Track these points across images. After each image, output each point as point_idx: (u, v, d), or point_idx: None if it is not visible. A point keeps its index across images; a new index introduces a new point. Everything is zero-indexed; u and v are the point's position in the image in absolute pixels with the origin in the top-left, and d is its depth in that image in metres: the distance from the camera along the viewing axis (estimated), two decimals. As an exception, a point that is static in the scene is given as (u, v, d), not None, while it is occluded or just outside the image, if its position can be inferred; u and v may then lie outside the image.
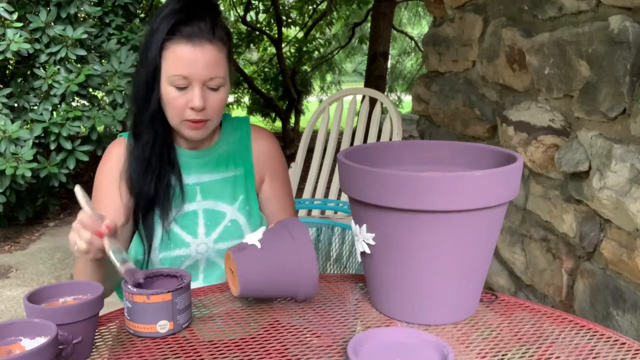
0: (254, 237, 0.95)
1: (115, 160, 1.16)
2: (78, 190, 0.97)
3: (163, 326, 0.86)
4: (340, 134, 2.42)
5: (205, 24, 1.06)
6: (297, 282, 0.93)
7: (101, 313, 0.88)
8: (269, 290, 0.95)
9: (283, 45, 8.63)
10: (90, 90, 3.82)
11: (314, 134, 2.62)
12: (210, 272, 1.19)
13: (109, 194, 1.14)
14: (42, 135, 3.54)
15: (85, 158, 3.72)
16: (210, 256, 1.18)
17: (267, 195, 1.26)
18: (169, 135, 1.15)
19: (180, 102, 1.07)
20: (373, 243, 0.89)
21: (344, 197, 2.28)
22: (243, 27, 8.75)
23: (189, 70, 1.05)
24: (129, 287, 0.87)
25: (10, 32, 3.41)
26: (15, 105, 3.72)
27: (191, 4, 1.07)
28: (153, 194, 1.12)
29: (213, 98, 1.09)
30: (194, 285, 1.17)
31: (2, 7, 3.40)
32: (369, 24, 8.52)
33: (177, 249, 1.15)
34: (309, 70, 9.90)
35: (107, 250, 0.91)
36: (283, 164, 1.29)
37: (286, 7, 9.26)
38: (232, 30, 6.85)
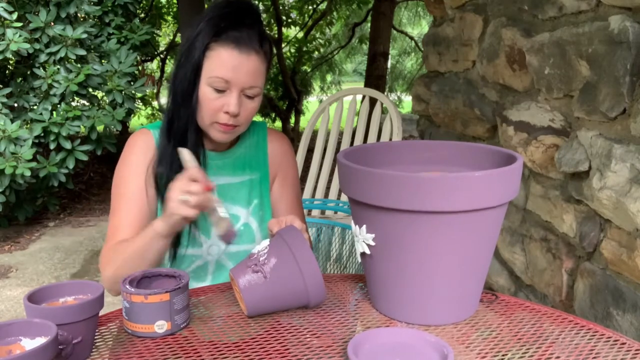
0: (259, 257, 0.93)
1: (140, 151, 1.14)
2: (182, 149, 0.98)
3: (161, 326, 0.86)
4: (340, 134, 2.42)
5: (253, 33, 1.06)
6: (305, 298, 0.92)
7: (101, 313, 0.88)
8: (278, 309, 0.94)
9: (283, 45, 8.63)
10: (90, 90, 3.82)
11: (314, 134, 2.62)
12: (219, 274, 1.19)
13: (136, 183, 1.12)
14: (42, 134, 3.54)
15: (85, 158, 3.72)
16: (220, 259, 1.18)
17: (275, 196, 1.26)
18: (200, 135, 1.15)
19: (216, 105, 1.07)
20: (373, 243, 0.89)
21: (344, 197, 2.28)
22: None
23: (231, 75, 1.05)
24: (127, 287, 0.86)
25: (10, 32, 3.41)
26: (15, 104, 3.72)
27: (239, 11, 1.07)
28: None
29: (247, 106, 1.09)
30: (201, 286, 1.17)
31: (2, 7, 3.40)
32: (369, 24, 8.52)
33: (190, 248, 1.15)
34: (309, 70, 9.90)
35: (215, 203, 0.95)
36: (294, 168, 1.30)
37: (286, 7, 9.26)
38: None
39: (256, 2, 8.67)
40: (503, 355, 0.81)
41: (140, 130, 1.18)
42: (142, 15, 6.94)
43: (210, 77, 1.05)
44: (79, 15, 3.92)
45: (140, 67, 6.05)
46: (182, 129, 1.11)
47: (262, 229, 1.20)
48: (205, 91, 1.07)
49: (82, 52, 3.69)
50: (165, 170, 1.12)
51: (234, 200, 1.18)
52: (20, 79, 3.91)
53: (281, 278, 0.90)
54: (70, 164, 3.67)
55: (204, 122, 1.10)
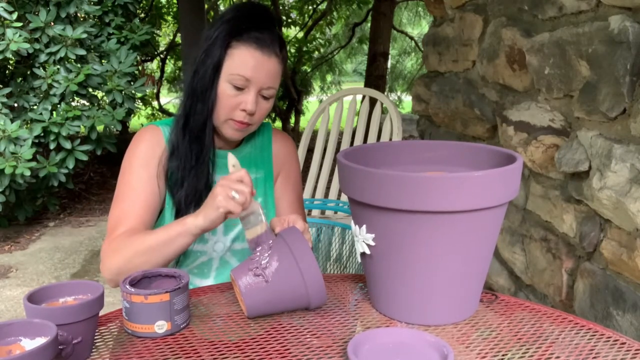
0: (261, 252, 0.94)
1: (149, 144, 1.15)
2: (230, 153, 1.01)
3: (161, 326, 0.86)
4: (340, 134, 2.42)
5: (274, 36, 1.10)
6: (306, 302, 0.92)
7: (101, 313, 0.88)
8: (279, 311, 0.94)
9: (283, 45, 8.61)
10: (90, 89, 3.81)
11: (314, 134, 2.62)
12: (223, 271, 1.19)
13: (143, 174, 1.12)
14: (42, 134, 3.53)
15: (85, 158, 3.72)
16: (225, 255, 1.19)
17: (277, 194, 1.27)
18: (213, 133, 1.16)
19: (233, 102, 1.09)
20: (373, 244, 0.89)
21: (344, 197, 2.28)
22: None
23: (251, 74, 1.07)
24: (127, 287, 0.86)
25: (9, 32, 3.40)
26: (15, 104, 3.72)
27: (259, 13, 1.10)
28: (202, 190, 1.13)
29: (262, 106, 1.12)
30: (204, 283, 1.17)
31: (2, 6, 3.40)
32: (369, 24, 8.52)
33: (196, 244, 1.15)
34: (309, 70, 9.90)
35: (257, 208, 0.97)
36: (297, 168, 1.32)
37: (286, 7, 9.26)
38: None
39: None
40: (503, 355, 0.81)
41: (149, 125, 1.18)
42: (142, 15, 6.94)
43: (231, 74, 1.08)
44: (79, 15, 3.92)
45: (140, 67, 6.05)
46: (199, 125, 1.12)
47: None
48: (224, 88, 1.09)
49: (82, 52, 3.69)
50: (178, 167, 1.12)
51: None
52: (20, 79, 3.90)
53: (282, 282, 0.90)
54: (70, 164, 3.67)
55: (218, 119, 1.12)
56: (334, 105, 2.43)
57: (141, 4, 5.51)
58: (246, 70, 1.07)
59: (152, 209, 1.12)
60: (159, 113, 8.71)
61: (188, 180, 1.12)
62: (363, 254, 0.93)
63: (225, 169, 1.18)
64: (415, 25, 12.32)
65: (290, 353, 0.81)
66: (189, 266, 1.17)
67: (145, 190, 1.12)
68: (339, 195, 2.34)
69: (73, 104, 3.81)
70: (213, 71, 1.09)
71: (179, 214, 1.12)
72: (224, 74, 1.08)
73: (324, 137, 2.39)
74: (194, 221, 0.98)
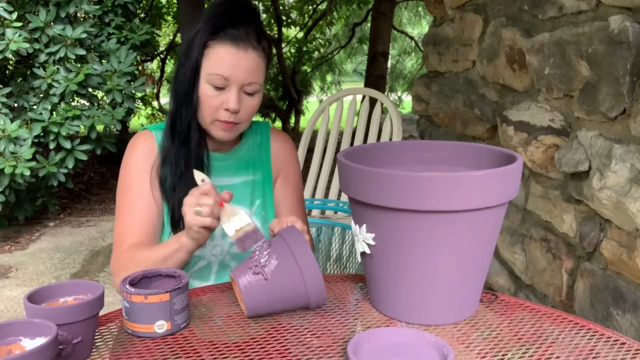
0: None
1: (142, 153, 1.15)
2: (196, 171, 1.00)
3: (161, 326, 0.86)
4: (340, 134, 2.42)
5: (251, 30, 1.07)
6: (306, 300, 0.92)
7: (101, 313, 0.88)
8: (279, 310, 0.94)
9: (283, 45, 8.63)
10: (90, 89, 3.81)
11: (314, 134, 2.62)
12: (223, 274, 1.19)
13: (140, 185, 1.13)
14: (42, 134, 3.53)
15: (85, 157, 3.72)
16: (224, 259, 1.18)
17: (277, 196, 1.26)
18: (203, 136, 1.15)
19: (215, 102, 1.08)
20: (373, 243, 0.89)
21: (344, 197, 2.28)
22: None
23: (229, 72, 1.06)
24: (127, 286, 0.86)
25: (9, 32, 3.41)
26: (15, 104, 3.72)
27: (237, 9, 1.08)
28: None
29: (247, 103, 1.10)
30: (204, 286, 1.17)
31: (2, 6, 3.40)
32: (369, 24, 8.53)
33: None
34: (309, 70, 9.90)
35: (221, 221, 0.97)
36: (297, 168, 1.30)
37: (286, 7, 9.26)
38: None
39: (256, 2, 8.67)
40: (503, 355, 0.81)
41: (142, 132, 1.18)
42: (142, 15, 6.94)
43: (209, 74, 1.06)
44: (78, 15, 3.92)
45: (140, 67, 6.04)
46: (185, 128, 1.11)
47: (265, 228, 1.20)
48: (204, 89, 1.07)
49: (82, 52, 3.69)
50: (170, 171, 1.12)
51: (237, 201, 1.18)
52: (20, 78, 3.90)
53: (282, 280, 0.90)
54: (70, 164, 3.67)
55: (205, 121, 1.11)
56: (334, 105, 2.43)
57: (141, 4, 5.51)
58: (224, 69, 1.06)
59: (154, 218, 1.12)
60: (159, 113, 8.71)
61: (180, 185, 1.12)
62: (363, 254, 0.93)
63: (219, 171, 1.18)
64: (415, 25, 12.33)
65: (290, 353, 0.81)
66: (189, 271, 1.17)
67: (145, 201, 1.12)
68: (339, 195, 2.34)
69: (73, 103, 3.81)
70: (192, 73, 1.08)
71: (175, 220, 1.13)
72: (203, 74, 1.07)
73: (324, 137, 2.39)
74: (185, 240, 1.00)
